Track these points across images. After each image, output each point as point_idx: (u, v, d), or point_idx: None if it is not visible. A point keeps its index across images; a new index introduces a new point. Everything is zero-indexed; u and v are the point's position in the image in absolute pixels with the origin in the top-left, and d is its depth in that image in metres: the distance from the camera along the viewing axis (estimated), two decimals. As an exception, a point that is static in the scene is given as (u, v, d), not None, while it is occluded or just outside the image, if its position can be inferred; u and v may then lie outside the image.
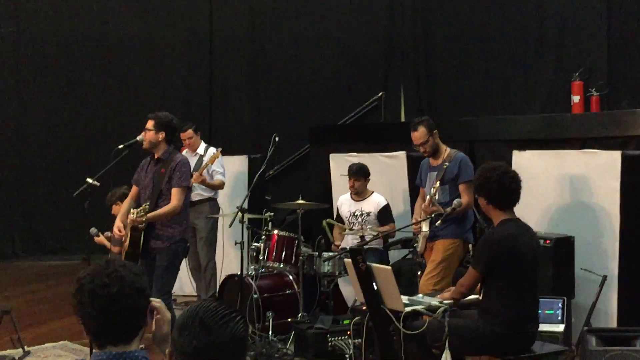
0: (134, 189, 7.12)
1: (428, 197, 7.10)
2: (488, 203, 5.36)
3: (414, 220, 7.35)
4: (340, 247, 8.32)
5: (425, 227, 7.07)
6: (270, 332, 7.51)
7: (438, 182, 7.08)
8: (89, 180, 6.98)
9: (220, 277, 8.77)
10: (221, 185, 9.07)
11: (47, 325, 8.77)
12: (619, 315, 6.79)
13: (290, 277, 8.12)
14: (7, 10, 13.69)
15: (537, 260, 5.34)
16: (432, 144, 7.25)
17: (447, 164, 7.13)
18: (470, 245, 7.12)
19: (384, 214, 8.36)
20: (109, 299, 2.81)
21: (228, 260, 9.05)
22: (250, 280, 7.79)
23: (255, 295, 7.68)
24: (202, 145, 9.26)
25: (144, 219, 6.61)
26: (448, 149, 7.31)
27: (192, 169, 8.54)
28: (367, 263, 5.51)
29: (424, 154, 7.42)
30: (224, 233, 9.04)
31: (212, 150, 9.09)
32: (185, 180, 6.85)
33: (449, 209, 6.78)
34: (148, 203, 6.70)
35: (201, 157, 9.08)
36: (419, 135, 7.26)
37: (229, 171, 9.40)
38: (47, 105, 13.75)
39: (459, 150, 7.42)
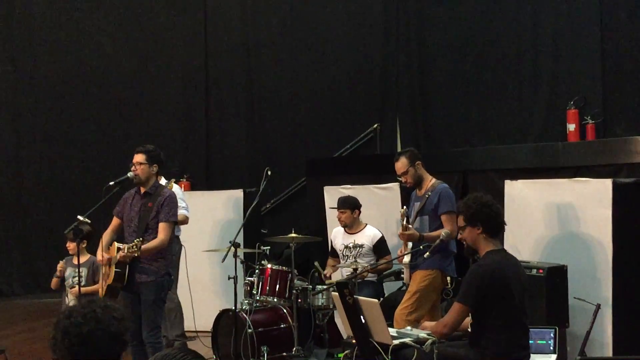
0: (115, 221, 7.03)
1: (403, 223, 6.95)
2: (482, 232, 5.31)
3: (399, 253, 7.29)
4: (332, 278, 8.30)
5: (406, 258, 7.07)
6: (265, 367, 7.46)
7: (405, 207, 7.05)
8: (80, 217, 6.96)
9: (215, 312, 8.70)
10: (185, 221, 8.57)
11: (43, 363, 8.70)
12: (614, 344, 6.73)
13: (285, 310, 8.06)
14: (3, 49, 13.76)
15: (526, 290, 5.31)
16: (414, 174, 7.20)
17: (429, 194, 7.10)
18: (449, 278, 6.99)
19: (380, 247, 8.35)
20: (79, 339, 2.80)
21: (224, 295, 9.00)
22: (245, 315, 7.75)
23: (249, 330, 7.64)
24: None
25: (137, 254, 6.55)
26: (433, 180, 7.24)
27: None
28: (355, 296, 5.49)
29: (406, 185, 7.40)
30: (220, 268, 8.96)
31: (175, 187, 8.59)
32: (173, 215, 6.85)
33: (435, 238, 6.78)
34: (140, 239, 6.57)
35: None
36: (400, 165, 7.25)
37: (226, 205, 9.31)
38: (45, 143, 13.77)
39: (443, 182, 7.33)
